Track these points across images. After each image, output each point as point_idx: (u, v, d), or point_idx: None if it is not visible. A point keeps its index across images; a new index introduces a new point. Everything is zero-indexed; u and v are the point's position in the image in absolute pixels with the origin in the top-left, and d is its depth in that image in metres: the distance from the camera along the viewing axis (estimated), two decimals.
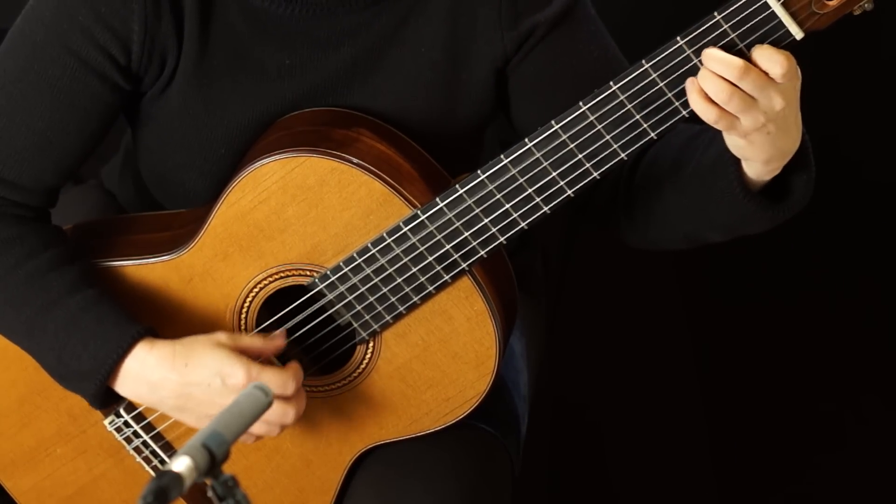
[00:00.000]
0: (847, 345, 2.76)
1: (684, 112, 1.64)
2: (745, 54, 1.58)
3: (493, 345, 1.80)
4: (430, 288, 1.77)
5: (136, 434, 1.89)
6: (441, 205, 1.73)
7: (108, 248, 1.87)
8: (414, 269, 1.76)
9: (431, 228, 1.74)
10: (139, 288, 1.84)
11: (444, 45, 1.81)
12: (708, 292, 2.80)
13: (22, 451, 1.93)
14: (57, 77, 1.78)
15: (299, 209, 1.76)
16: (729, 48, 1.58)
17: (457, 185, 1.73)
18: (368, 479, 1.90)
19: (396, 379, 1.83)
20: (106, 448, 1.92)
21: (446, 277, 1.77)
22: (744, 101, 1.58)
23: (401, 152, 1.80)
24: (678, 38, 1.61)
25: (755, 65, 1.57)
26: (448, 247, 1.75)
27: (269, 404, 1.36)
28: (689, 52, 1.60)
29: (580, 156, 1.69)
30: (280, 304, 1.83)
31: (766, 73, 1.57)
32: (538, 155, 1.69)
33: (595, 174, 1.70)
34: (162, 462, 1.91)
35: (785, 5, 1.57)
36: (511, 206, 1.72)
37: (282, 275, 1.80)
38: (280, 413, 1.77)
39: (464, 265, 1.76)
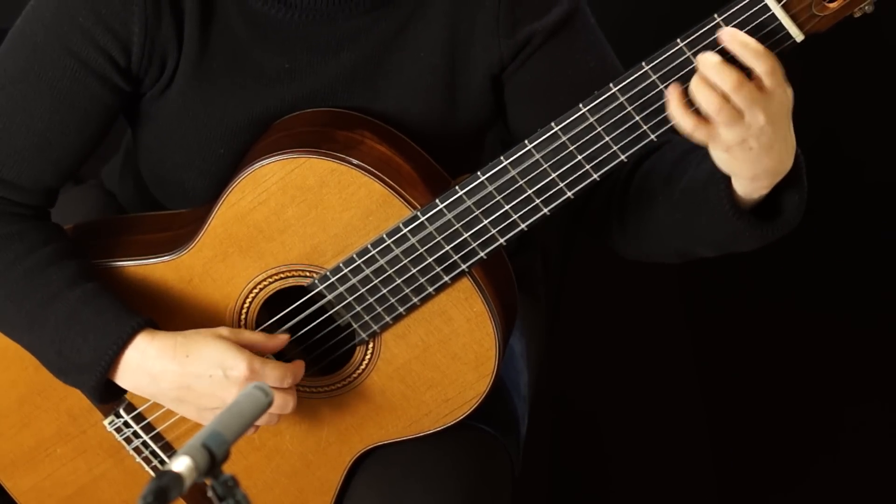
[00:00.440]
0: (847, 345, 2.76)
1: None
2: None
3: (493, 346, 1.80)
4: (430, 289, 1.77)
5: (135, 434, 1.89)
6: (441, 206, 1.73)
7: (107, 248, 1.87)
8: (414, 271, 1.76)
9: (431, 230, 1.74)
10: (139, 288, 1.84)
11: (443, 50, 1.81)
12: (708, 292, 2.80)
13: (22, 451, 1.93)
14: (57, 78, 1.78)
15: (299, 210, 1.76)
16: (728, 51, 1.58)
17: (456, 187, 1.73)
18: (368, 479, 1.90)
19: (396, 380, 1.83)
20: (106, 448, 1.92)
21: (446, 279, 1.77)
22: (731, 115, 1.57)
23: (401, 154, 1.80)
24: (678, 40, 1.60)
25: (744, 67, 1.56)
26: (448, 248, 1.75)
27: (269, 404, 1.37)
28: (688, 54, 1.60)
29: (580, 157, 1.69)
30: (280, 304, 1.83)
31: (758, 88, 1.56)
32: (538, 156, 1.69)
33: (595, 176, 1.70)
34: (162, 462, 1.91)
35: (785, 7, 1.56)
36: (511, 208, 1.72)
37: (281, 276, 1.80)
38: (280, 404, 1.78)
39: (463, 266, 1.76)
